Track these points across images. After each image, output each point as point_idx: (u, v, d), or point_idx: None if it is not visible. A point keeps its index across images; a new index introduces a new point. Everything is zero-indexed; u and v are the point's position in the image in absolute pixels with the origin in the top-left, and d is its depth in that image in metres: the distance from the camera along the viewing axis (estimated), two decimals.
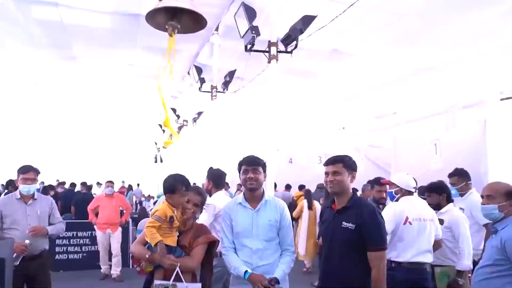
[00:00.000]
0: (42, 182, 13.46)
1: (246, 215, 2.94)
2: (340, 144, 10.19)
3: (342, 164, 2.70)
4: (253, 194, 2.96)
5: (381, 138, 8.71)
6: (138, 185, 15.79)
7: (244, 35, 4.70)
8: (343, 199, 2.70)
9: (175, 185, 2.84)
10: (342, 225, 2.60)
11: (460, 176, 4.68)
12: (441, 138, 6.43)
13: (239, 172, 2.99)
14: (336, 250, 2.65)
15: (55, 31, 6.38)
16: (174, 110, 10.50)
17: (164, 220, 2.76)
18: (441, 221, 3.94)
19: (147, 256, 2.71)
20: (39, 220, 3.96)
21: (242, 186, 3.08)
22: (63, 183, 13.38)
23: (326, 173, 2.74)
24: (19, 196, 3.97)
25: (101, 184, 13.23)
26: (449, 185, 4.47)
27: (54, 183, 13.50)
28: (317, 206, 8.01)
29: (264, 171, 2.99)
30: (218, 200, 3.98)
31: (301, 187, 10.01)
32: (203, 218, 3.87)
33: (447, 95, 7.13)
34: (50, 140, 16.27)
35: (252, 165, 2.93)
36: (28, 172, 3.97)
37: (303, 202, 8.06)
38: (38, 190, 4.32)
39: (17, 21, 6.00)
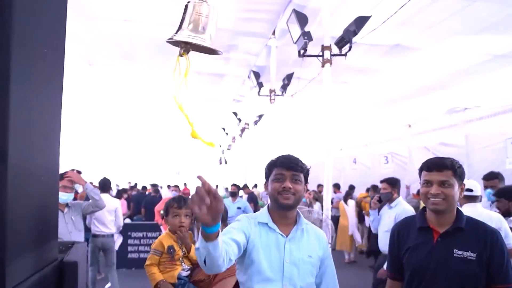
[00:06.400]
0: (117, 185, 14.48)
1: (274, 244, 1.81)
2: (407, 142, 9.75)
3: (452, 171, 1.92)
4: (286, 214, 1.86)
5: (451, 136, 8.16)
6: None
7: (297, 40, 4.67)
8: (446, 218, 2.00)
9: (167, 204, 2.47)
10: (455, 254, 1.93)
11: (501, 179, 4.39)
12: None
13: (267, 178, 1.90)
14: (443, 286, 1.95)
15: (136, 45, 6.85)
16: (235, 113, 10.72)
17: (162, 252, 2.39)
18: None
19: None
20: (75, 226, 3.91)
21: (270, 200, 1.91)
22: (135, 186, 14.24)
23: (427, 182, 1.96)
24: None
25: (170, 186, 13.92)
26: (483, 189, 4.19)
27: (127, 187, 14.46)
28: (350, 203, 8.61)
29: (306, 181, 1.89)
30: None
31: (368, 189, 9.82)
32: None
33: None
34: (123, 147, 17.60)
35: (291, 169, 1.82)
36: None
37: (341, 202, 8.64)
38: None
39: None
